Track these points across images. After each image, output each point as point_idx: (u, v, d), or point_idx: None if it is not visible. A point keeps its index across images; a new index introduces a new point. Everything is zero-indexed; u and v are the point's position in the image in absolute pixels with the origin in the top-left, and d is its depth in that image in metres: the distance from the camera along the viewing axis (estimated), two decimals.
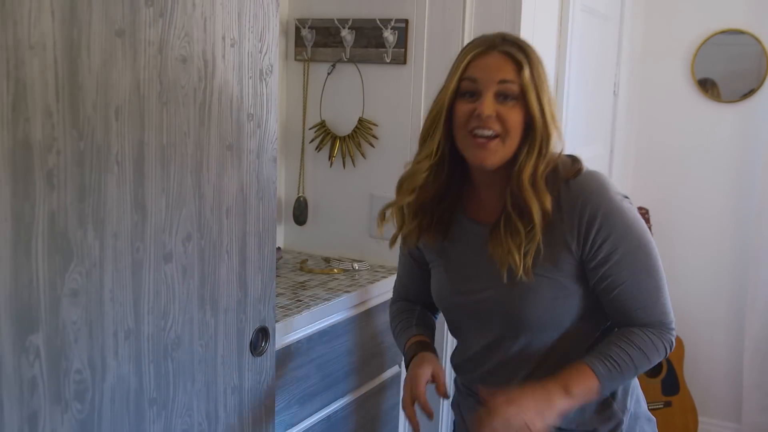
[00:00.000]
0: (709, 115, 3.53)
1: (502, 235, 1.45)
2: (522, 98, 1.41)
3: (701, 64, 3.52)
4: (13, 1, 1.04)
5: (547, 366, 1.50)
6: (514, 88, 1.41)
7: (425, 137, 1.50)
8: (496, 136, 1.40)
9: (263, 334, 1.61)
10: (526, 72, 1.41)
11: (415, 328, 1.68)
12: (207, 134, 1.40)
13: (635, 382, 1.60)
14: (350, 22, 2.35)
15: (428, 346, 1.64)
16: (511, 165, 1.44)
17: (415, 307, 1.74)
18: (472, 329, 1.59)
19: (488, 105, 1.40)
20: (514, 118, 1.41)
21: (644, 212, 3.53)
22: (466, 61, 1.44)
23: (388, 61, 2.31)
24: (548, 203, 1.42)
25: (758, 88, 3.42)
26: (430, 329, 1.72)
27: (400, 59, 2.30)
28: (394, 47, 2.30)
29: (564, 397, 1.40)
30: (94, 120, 1.17)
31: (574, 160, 1.50)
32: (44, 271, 1.12)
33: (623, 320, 1.49)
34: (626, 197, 1.48)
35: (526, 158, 1.42)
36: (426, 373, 1.55)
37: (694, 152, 3.58)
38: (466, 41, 2.18)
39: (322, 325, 1.96)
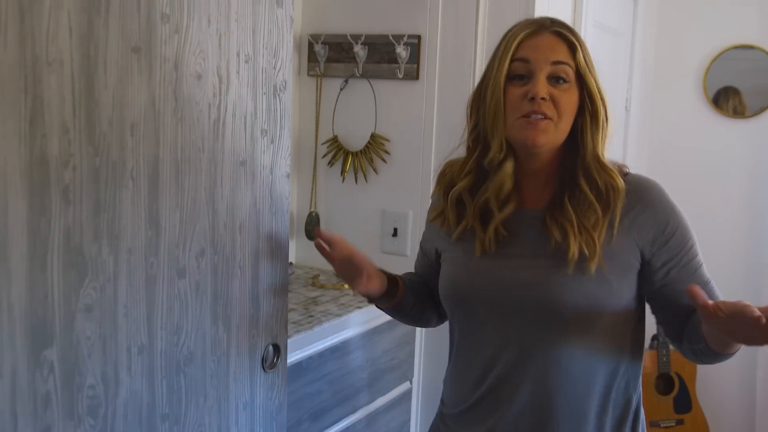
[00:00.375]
0: (722, 130, 3.53)
1: (572, 214, 1.37)
2: (575, 80, 1.37)
3: (713, 79, 3.52)
4: (31, 19, 1.05)
5: (559, 371, 1.40)
6: (568, 70, 1.36)
7: (492, 132, 1.39)
8: (548, 118, 1.35)
9: (275, 349, 1.61)
10: (580, 54, 1.37)
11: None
12: (221, 150, 1.41)
13: (639, 404, 1.53)
14: (363, 38, 2.36)
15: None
16: (562, 151, 1.40)
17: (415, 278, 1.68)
18: (486, 324, 1.45)
19: (542, 87, 1.34)
20: (568, 101, 1.36)
21: None
22: (517, 41, 1.37)
23: (400, 76, 2.32)
24: (621, 183, 1.38)
25: None
26: (410, 288, 1.64)
27: (413, 75, 2.31)
28: (406, 63, 2.31)
29: None
30: (110, 136, 1.18)
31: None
32: (59, 285, 1.13)
33: (678, 311, 1.42)
34: None
35: (594, 136, 1.38)
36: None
37: (706, 168, 3.57)
38: (479, 57, 2.19)
39: (334, 340, 1.96)
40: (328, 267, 2.49)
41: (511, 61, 1.37)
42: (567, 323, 1.37)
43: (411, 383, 2.34)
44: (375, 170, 2.41)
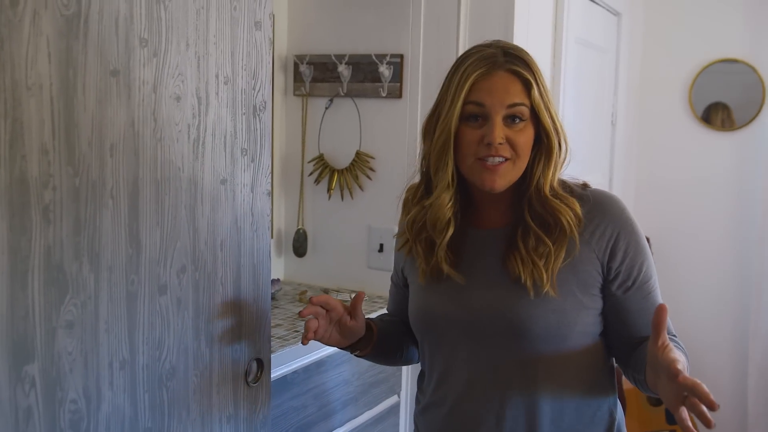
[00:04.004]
0: (708, 143, 3.57)
1: (522, 249, 1.38)
2: (530, 118, 1.36)
3: (699, 93, 3.57)
4: (11, 44, 1.09)
5: (533, 384, 1.41)
6: (524, 109, 1.35)
7: (436, 168, 1.41)
8: (506, 160, 1.36)
9: (258, 364, 1.64)
10: (536, 91, 1.35)
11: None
12: (201, 169, 1.45)
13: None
14: (347, 58, 2.41)
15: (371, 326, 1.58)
16: (520, 181, 1.41)
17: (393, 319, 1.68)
18: (457, 345, 1.46)
19: (499, 132, 1.33)
20: (524, 140, 1.36)
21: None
22: (469, 84, 1.35)
23: (384, 95, 2.36)
24: (578, 208, 1.39)
25: (756, 116, 3.46)
26: (385, 330, 1.62)
27: (396, 93, 2.35)
28: (389, 82, 2.35)
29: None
30: (90, 157, 1.22)
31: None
32: (40, 302, 1.16)
33: (629, 335, 1.42)
34: None
35: (544, 172, 1.38)
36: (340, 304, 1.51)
37: (693, 180, 3.61)
38: None
39: (319, 355, 1.99)
40: (315, 283, 2.54)
41: (465, 103, 1.36)
42: (538, 340, 1.38)
43: (399, 396, 2.36)
44: (360, 187, 2.45)
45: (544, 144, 1.40)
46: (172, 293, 1.41)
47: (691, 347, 3.63)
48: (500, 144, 1.34)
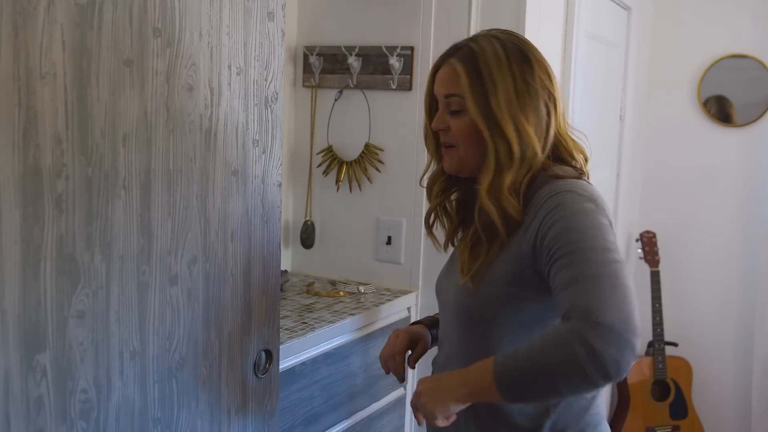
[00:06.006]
0: (716, 139, 3.55)
1: (467, 242, 1.47)
2: (467, 108, 1.43)
3: (707, 88, 3.55)
4: (25, 33, 1.09)
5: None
6: (458, 100, 1.44)
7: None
8: (451, 146, 1.48)
9: (267, 355, 1.63)
10: (463, 80, 1.42)
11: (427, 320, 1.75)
12: (213, 160, 1.44)
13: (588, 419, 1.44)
14: (357, 50, 2.39)
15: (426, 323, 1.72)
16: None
17: None
18: (444, 320, 1.60)
19: (438, 120, 1.48)
20: (458, 129, 1.45)
21: (651, 236, 3.55)
22: (430, 77, 1.52)
23: (393, 87, 2.35)
24: (513, 211, 1.39)
25: (765, 112, 3.44)
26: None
27: (406, 86, 2.34)
28: (399, 74, 2.34)
29: (462, 390, 1.30)
30: (102, 147, 1.21)
31: (565, 168, 1.46)
32: (52, 292, 1.16)
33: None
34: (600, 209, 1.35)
35: (484, 168, 1.42)
36: (406, 335, 1.66)
37: (700, 176, 3.60)
38: None
39: (327, 347, 1.98)
40: (323, 275, 2.53)
41: (429, 94, 1.54)
42: (474, 323, 1.46)
43: (405, 389, 2.36)
44: (369, 179, 2.44)
45: (481, 140, 1.43)
46: (183, 284, 1.40)
47: (695, 342, 3.65)
48: (441, 130, 1.48)
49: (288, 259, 2.61)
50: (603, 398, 1.53)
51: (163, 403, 1.39)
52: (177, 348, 1.41)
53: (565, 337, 1.18)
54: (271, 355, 1.65)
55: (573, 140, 1.51)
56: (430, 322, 1.72)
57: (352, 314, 2.10)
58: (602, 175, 3.16)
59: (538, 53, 1.48)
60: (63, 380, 1.20)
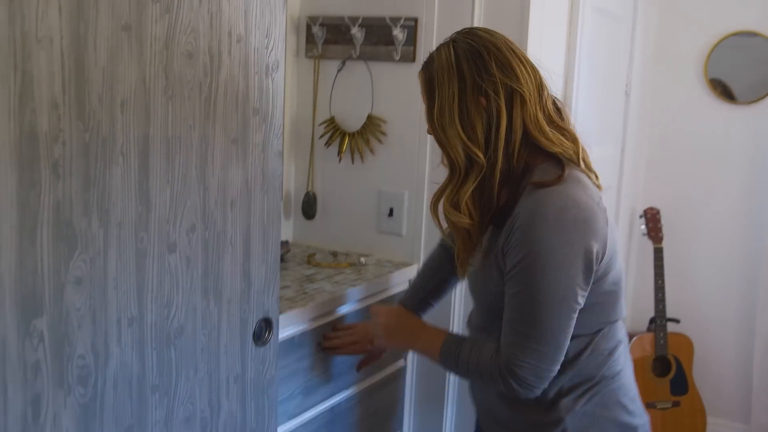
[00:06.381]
0: (722, 116, 3.52)
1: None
2: None
3: (714, 65, 3.51)
4: None
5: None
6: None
7: None
8: None
9: (266, 324, 1.63)
10: (422, 92, 1.58)
11: (416, 291, 1.96)
12: (212, 128, 1.43)
13: (606, 385, 1.57)
14: (360, 20, 2.37)
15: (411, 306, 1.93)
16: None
17: (441, 267, 1.93)
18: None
19: (427, 125, 1.59)
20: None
21: (655, 212, 3.53)
22: None
23: (397, 58, 2.33)
24: (464, 224, 1.55)
25: None
26: (427, 299, 1.94)
27: (409, 57, 2.32)
28: (403, 45, 2.32)
29: (410, 343, 1.79)
30: (100, 112, 1.20)
31: (561, 167, 1.50)
32: (49, 258, 1.15)
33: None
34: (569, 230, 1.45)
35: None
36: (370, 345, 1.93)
37: (706, 153, 3.57)
38: None
39: (328, 318, 1.98)
40: (324, 246, 2.53)
41: None
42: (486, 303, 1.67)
43: (405, 360, 2.37)
44: (371, 151, 2.42)
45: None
46: (182, 252, 1.40)
47: (697, 319, 3.64)
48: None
49: (290, 229, 2.61)
50: (623, 351, 1.63)
51: (161, 370, 1.39)
52: (175, 316, 1.40)
53: (491, 374, 1.51)
54: (270, 325, 1.64)
55: (553, 134, 1.52)
56: (415, 303, 1.93)
57: (353, 285, 2.10)
58: (607, 151, 3.14)
59: (499, 49, 1.50)
60: (60, 346, 1.19)
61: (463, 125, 1.49)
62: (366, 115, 2.41)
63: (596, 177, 1.59)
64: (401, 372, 2.36)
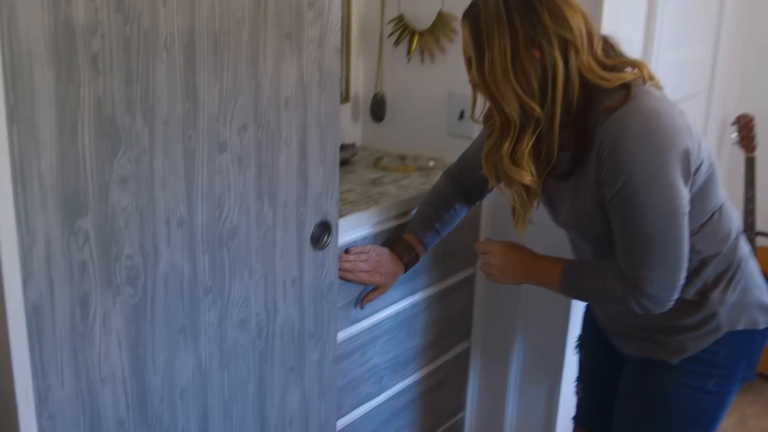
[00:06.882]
0: None
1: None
2: None
3: None
4: None
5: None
6: (470, 62, 1.52)
7: None
8: None
9: (325, 228, 1.59)
10: (467, 44, 1.50)
11: (428, 220, 1.89)
12: (264, 22, 1.36)
13: (744, 269, 1.60)
14: None
15: (408, 248, 1.86)
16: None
17: (449, 198, 1.88)
18: None
19: (470, 77, 1.55)
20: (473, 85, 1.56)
21: (749, 120, 3.32)
22: None
23: None
24: (526, 180, 1.51)
25: None
26: (436, 228, 1.88)
27: None
28: None
29: (525, 278, 1.73)
30: (140, 4, 1.14)
31: (627, 87, 1.45)
32: (91, 156, 1.12)
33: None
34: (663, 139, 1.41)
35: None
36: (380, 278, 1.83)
37: None
38: None
39: (392, 222, 1.93)
40: (393, 150, 2.46)
41: None
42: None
43: (474, 268, 2.31)
44: (442, 50, 2.32)
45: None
46: (233, 151, 1.35)
47: None
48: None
49: (358, 132, 2.55)
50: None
51: (213, 272, 1.37)
52: (228, 217, 1.37)
53: (621, 298, 1.51)
54: (329, 228, 1.60)
55: (610, 75, 1.47)
56: (427, 233, 1.88)
57: (419, 189, 2.03)
58: (694, 54, 2.93)
59: None
60: (107, 246, 1.18)
61: (518, 79, 1.44)
62: (436, 12, 2.29)
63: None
64: (471, 279, 2.31)
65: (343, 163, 2.24)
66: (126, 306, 1.22)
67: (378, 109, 2.47)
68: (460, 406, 2.46)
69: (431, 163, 2.25)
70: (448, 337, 2.28)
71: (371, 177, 2.14)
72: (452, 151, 2.33)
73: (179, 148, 1.26)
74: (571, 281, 1.62)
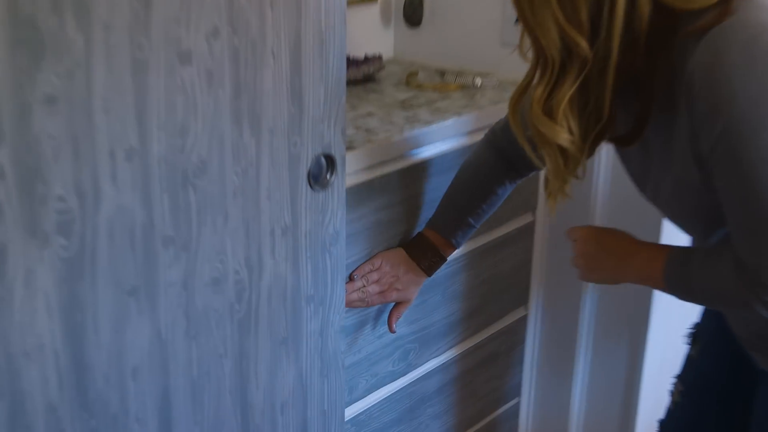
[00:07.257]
0: None
1: None
2: None
3: None
4: None
5: None
6: None
7: None
8: None
9: (328, 162, 1.54)
10: None
11: (456, 210, 1.86)
12: None
13: None
14: None
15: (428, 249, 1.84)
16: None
17: (490, 179, 1.84)
18: None
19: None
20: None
21: None
22: None
23: None
24: (561, 139, 1.36)
25: None
26: (469, 222, 1.85)
27: None
28: None
29: (619, 275, 1.61)
30: None
31: (708, 10, 1.27)
32: (4, 69, 1.08)
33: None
34: None
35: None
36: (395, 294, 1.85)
37: None
38: None
39: (421, 155, 1.88)
40: (432, 62, 2.40)
41: None
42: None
43: (533, 215, 2.25)
44: None
45: None
46: (200, 63, 1.30)
47: None
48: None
49: (389, 41, 2.51)
50: None
51: (176, 218, 1.33)
52: (194, 148, 1.33)
53: (738, 296, 1.36)
54: (333, 163, 1.55)
55: None
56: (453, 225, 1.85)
57: (459, 114, 1.97)
58: None
59: None
60: (30, 184, 1.14)
61: (561, 3, 1.28)
62: None
63: None
64: (529, 228, 2.26)
65: (367, 79, 2.20)
66: (56, 261, 1.19)
67: (413, 11, 2.44)
68: (513, 390, 2.44)
69: (478, 81, 2.19)
70: (497, 303, 2.25)
71: (400, 97, 2.09)
72: (506, 67, 2.27)
73: (126, 59, 1.21)
74: (676, 274, 1.47)
